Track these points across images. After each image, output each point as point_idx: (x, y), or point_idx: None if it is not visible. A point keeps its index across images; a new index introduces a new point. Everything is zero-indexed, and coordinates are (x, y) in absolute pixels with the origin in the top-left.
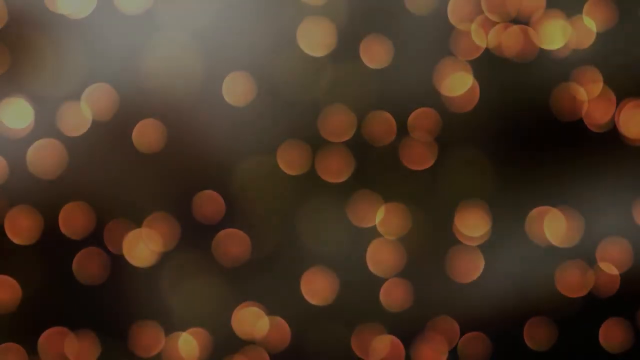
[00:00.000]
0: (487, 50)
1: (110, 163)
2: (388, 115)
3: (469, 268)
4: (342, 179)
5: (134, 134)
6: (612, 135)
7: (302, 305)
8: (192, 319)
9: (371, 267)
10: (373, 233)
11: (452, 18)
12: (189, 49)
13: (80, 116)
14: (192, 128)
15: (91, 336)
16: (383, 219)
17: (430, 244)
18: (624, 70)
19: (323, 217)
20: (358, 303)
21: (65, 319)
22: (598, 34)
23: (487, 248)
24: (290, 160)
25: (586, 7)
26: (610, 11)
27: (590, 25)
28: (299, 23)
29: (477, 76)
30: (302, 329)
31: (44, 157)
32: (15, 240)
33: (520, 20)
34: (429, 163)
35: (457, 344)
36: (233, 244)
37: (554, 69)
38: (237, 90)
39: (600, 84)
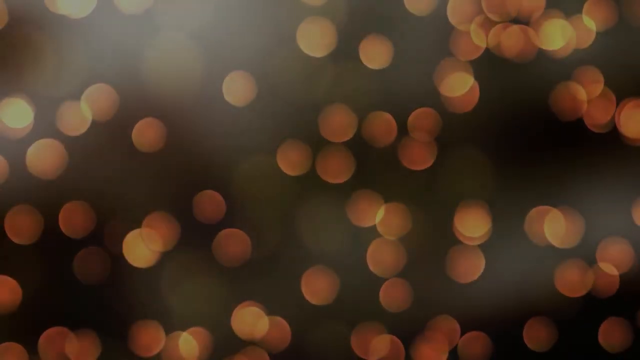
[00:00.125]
0: (487, 50)
1: (110, 163)
2: (388, 115)
3: (469, 268)
4: (342, 179)
5: (133, 133)
6: (612, 135)
7: (302, 305)
8: (192, 319)
9: (371, 267)
10: (373, 233)
11: (452, 18)
12: (188, 49)
13: (80, 116)
14: (192, 128)
15: (91, 336)
16: (383, 219)
17: (430, 244)
18: (624, 70)
19: (323, 217)
20: (358, 303)
21: (65, 318)
22: (598, 34)
23: (487, 248)
24: (290, 161)
25: (586, 7)
26: (610, 11)
27: (590, 25)
28: (298, 23)
29: (477, 76)
30: (302, 329)
31: (44, 157)
32: (15, 240)
33: (520, 20)
34: (428, 163)
35: (457, 344)
36: (233, 244)
37: (554, 69)
38: (237, 90)
39: (601, 84)
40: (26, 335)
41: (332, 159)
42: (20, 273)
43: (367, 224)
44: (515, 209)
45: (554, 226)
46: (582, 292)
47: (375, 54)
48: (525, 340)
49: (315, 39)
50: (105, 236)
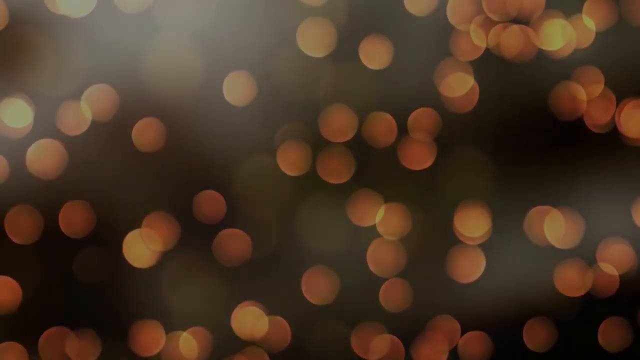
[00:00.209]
0: (487, 50)
1: (110, 163)
2: (388, 115)
3: (469, 268)
4: (342, 179)
5: (133, 133)
6: (612, 135)
7: (302, 305)
8: (192, 319)
9: (371, 267)
10: (373, 233)
11: (452, 18)
12: (188, 49)
13: (79, 116)
14: (192, 128)
15: (91, 336)
16: (383, 219)
17: (430, 244)
18: (624, 70)
19: (323, 217)
20: (358, 303)
21: (65, 318)
22: (598, 34)
23: (487, 248)
24: (290, 161)
25: (586, 7)
26: (610, 11)
27: (590, 25)
28: (298, 23)
29: (477, 77)
30: (302, 329)
31: (44, 157)
32: (15, 240)
33: (520, 20)
34: (428, 163)
35: (457, 343)
36: (233, 244)
37: (554, 69)
38: (237, 90)
39: (601, 84)
40: (26, 335)
41: (332, 159)
42: (20, 273)
43: (367, 224)
44: (515, 209)
45: (553, 226)
46: (582, 292)
47: (375, 54)
48: (525, 340)
49: (315, 39)
50: (105, 236)
